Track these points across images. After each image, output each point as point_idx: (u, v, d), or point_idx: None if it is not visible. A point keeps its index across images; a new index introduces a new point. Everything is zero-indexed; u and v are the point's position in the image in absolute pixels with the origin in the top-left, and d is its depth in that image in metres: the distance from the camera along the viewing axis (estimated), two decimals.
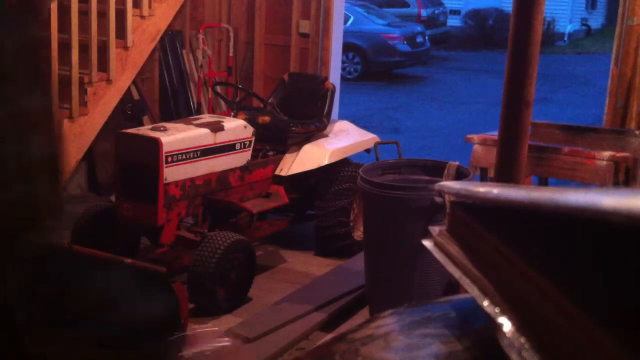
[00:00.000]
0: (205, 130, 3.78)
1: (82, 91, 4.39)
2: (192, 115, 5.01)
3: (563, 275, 0.63)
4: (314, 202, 4.32)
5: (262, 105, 4.76)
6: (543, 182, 4.21)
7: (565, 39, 19.72)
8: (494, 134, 3.06)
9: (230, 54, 5.82)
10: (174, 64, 5.76)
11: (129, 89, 5.03)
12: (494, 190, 0.82)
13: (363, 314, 3.46)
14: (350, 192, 4.23)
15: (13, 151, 0.98)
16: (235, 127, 3.96)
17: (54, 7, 4.06)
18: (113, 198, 4.04)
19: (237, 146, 3.96)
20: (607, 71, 4.79)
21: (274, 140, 4.30)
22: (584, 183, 3.74)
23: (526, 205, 0.67)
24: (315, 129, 4.39)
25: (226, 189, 3.93)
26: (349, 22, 12.54)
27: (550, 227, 0.68)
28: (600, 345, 0.54)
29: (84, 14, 4.26)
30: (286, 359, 3.08)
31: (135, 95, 5.42)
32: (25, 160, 1.00)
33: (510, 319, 0.70)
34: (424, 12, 16.89)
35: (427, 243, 1.09)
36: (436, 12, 17.65)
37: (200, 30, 5.72)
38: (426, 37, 14.07)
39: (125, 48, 4.68)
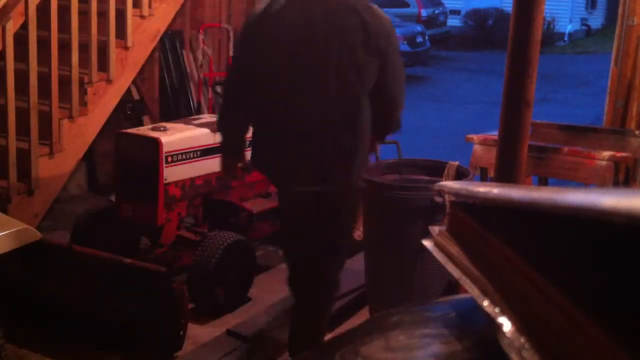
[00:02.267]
0: (205, 130, 3.78)
1: (82, 91, 4.38)
2: (192, 115, 5.01)
3: (563, 275, 0.63)
4: None
5: None
6: (543, 182, 4.21)
7: (565, 39, 19.72)
8: (494, 134, 3.06)
9: (230, 54, 5.82)
10: (174, 64, 5.76)
11: (129, 89, 5.02)
12: (494, 190, 0.82)
13: (363, 314, 3.46)
14: None
15: None
16: None
17: (53, 7, 4.06)
18: (113, 198, 4.04)
19: None
20: (607, 71, 4.79)
21: None
22: (584, 183, 3.74)
23: (526, 205, 0.67)
24: None
25: (226, 189, 3.93)
26: None
27: (550, 227, 0.68)
28: (600, 345, 0.54)
29: (84, 14, 4.26)
30: (286, 359, 3.08)
31: (135, 95, 5.42)
32: None
33: (510, 319, 0.70)
34: (424, 12, 16.88)
35: (427, 243, 1.09)
36: (436, 12, 17.64)
37: (200, 30, 5.72)
38: (426, 37, 14.07)
39: (125, 48, 4.68)
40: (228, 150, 2.90)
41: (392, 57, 2.72)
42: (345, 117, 2.62)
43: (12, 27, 3.86)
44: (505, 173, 2.60)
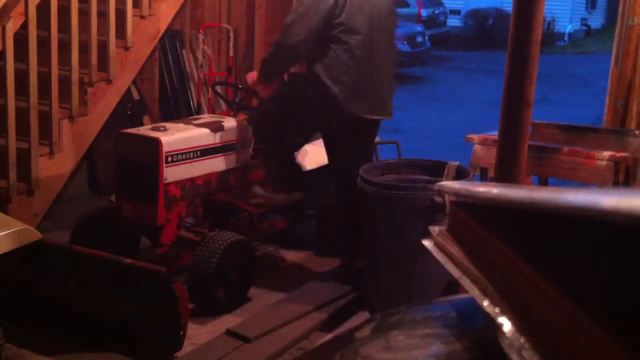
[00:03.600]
0: (205, 130, 3.78)
1: (82, 91, 4.38)
2: (192, 115, 5.01)
3: (563, 275, 0.63)
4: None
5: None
6: (543, 182, 4.21)
7: (565, 39, 19.72)
8: (494, 134, 3.06)
9: (230, 54, 5.82)
10: (174, 64, 5.75)
11: (129, 89, 5.02)
12: (494, 190, 0.82)
13: (363, 314, 3.46)
14: None
15: None
16: (235, 127, 3.96)
17: (53, 7, 4.06)
18: (113, 198, 4.04)
19: (237, 146, 3.96)
20: (607, 71, 4.79)
21: None
22: (584, 183, 3.74)
23: (526, 205, 0.67)
24: None
25: (226, 189, 3.93)
26: None
27: (550, 227, 0.68)
28: (600, 345, 0.54)
29: (84, 14, 4.26)
30: (286, 359, 3.08)
31: (135, 95, 5.42)
32: None
33: (510, 319, 0.70)
34: (424, 12, 16.87)
35: (427, 243, 1.09)
36: (436, 12, 17.63)
37: (200, 30, 5.71)
38: (426, 37, 14.06)
39: (125, 48, 4.68)
40: (266, 78, 3.76)
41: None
42: (393, 63, 3.79)
43: (12, 27, 3.86)
44: (505, 173, 2.60)
